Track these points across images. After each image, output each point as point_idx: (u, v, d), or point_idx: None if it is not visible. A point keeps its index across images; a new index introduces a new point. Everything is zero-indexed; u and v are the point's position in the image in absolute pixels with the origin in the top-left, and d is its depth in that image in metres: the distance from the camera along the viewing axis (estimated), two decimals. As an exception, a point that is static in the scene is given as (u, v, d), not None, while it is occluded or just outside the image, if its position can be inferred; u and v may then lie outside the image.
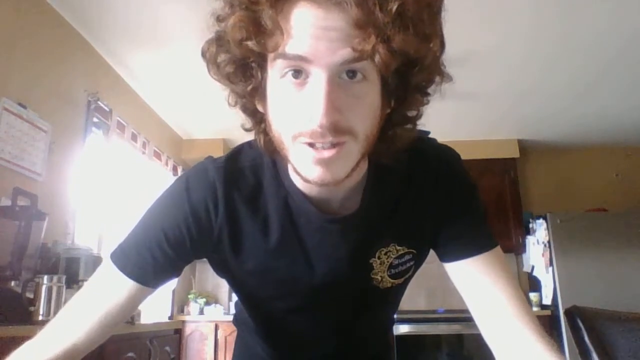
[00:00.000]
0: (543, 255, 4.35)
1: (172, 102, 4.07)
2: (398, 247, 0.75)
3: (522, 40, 3.18)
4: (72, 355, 0.67)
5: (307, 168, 0.59)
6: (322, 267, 0.74)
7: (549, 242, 4.26)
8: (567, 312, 0.82)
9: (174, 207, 0.71)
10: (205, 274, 5.10)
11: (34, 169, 2.54)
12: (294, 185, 0.70)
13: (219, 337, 4.30)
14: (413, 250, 0.76)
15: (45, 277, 2.06)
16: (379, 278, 0.76)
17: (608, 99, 4.09)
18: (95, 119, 3.20)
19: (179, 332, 3.97)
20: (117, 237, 3.53)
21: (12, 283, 2.06)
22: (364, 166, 0.69)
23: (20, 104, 2.43)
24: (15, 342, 1.71)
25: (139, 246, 0.70)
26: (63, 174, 2.81)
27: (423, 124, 0.69)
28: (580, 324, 0.80)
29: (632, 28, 3.04)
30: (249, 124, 0.69)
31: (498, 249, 0.74)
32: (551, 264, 4.22)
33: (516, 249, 4.73)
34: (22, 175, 2.45)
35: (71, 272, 2.36)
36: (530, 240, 4.61)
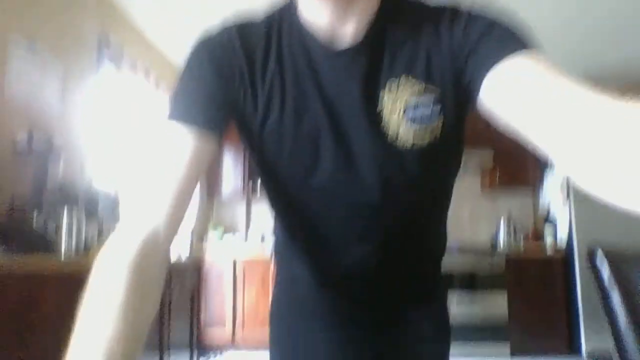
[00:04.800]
0: (561, 190, 4.32)
1: (184, 41, 3.97)
2: (413, 80, 0.67)
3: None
4: (155, 241, 0.61)
5: None
6: (337, 106, 0.71)
7: (567, 178, 4.20)
8: (589, 252, 0.81)
9: (197, 55, 0.73)
10: (223, 208, 5.19)
11: (47, 108, 2.53)
12: (305, 23, 0.71)
13: (237, 265, 4.44)
14: (434, 87, 0.67)
15: (66, 211, 2.09)
16: (396, 127, 0.68)
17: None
18: (106, 58, 3.14)
19: (197, 267, 4.09)
20: (134, 173, 3.57)
21: (34, 218, 2.11)
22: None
23: (30, 43, 2.38)
24: (38, 273, 1.77)
25: (180, 96, 0.71)
26: (77, 112, 2.79)
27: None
28: (601, 264, 0.78)
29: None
30: None
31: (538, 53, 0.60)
32: (568, 197, 4.19)
33: (533, 183, 4.69)
34: (36, 114, 2.44)
35: (91, 207, 2.40)
36: (548, 174, 4.55)
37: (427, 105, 0.67)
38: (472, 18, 0.66)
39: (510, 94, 0.57)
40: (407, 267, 0.86)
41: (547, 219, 4.71)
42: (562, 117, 0.51)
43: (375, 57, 0.69)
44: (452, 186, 0.85)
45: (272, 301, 0.99)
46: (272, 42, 0.73)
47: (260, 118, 0.73)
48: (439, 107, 0.67)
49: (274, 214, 0.89)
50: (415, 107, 0.67)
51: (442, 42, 0.66)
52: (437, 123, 0.68)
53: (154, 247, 0.61)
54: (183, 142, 0.67)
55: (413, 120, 0.67)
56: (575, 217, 4.12)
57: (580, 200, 4.12)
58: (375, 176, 0.72)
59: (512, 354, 4.08)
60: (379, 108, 0.69)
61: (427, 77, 0.67)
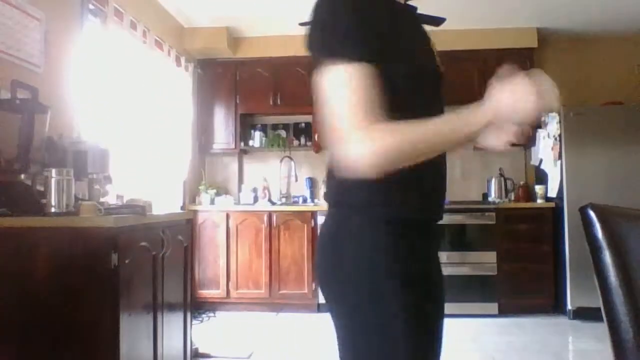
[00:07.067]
0: (553, 148, 4.32)
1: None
2: None
3: None
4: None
5: None
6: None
7: (560, 135, 4.20)
8: (582, 209, 0.80)
9: None
10: (215, 165, 5.16)
11: (31, 61, 2.45)
12: None
13: (230, 225, 4.46)
14: None
15: (54, 170, 2.05)
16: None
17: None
18: (91, 6, 3.03)
19: (191, 221, 4.10)
20: (122, 128, 3.47)
21: (22, 176, 2.07)
22: None
23: (8, -11, 2.29)
24: (30, 232, 1.76)
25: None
26: (62, 65, 2.71)
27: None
28: (595, 221, 0.78)
29: None
30: None
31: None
32: (560, 157, 4.20)
33: (525, 142, 4.68)
34: (20, 67, 2.37)
35: (79, 165, 2.36)
36: (540, 133, 4.54)
37: None
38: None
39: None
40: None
41: (538, 177, 4.74)
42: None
43: None
44: None
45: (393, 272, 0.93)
46: None
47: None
48: None
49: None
50: None
51: None
52: None
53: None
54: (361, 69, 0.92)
55: None
56: (567, 176, 4.14)
57: (571, 159, 4.14)
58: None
59: (500, 312, 4.20)
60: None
61: None
